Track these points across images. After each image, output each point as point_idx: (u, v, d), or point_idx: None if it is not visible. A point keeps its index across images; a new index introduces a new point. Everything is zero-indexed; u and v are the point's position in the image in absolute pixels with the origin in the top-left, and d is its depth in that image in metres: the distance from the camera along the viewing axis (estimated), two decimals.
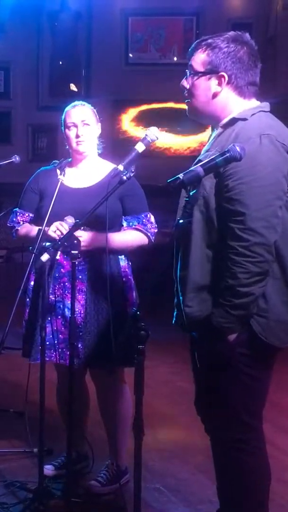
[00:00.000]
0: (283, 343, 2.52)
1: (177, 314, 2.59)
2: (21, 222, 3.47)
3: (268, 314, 2.45)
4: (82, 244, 3.04)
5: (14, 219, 3.50)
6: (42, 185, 3.44)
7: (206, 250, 2.47)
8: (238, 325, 2.42)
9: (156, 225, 3.44)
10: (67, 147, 3.46)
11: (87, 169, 3.44)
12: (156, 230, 3.43)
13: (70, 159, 3.47)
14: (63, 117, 3.43)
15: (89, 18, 8.74)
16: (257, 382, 2.54)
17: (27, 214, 3.46)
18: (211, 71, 2.52)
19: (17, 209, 3.51)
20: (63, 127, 3.44)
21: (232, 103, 2.54)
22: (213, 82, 2.53)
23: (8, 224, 3.51)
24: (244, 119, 2.47)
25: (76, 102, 3.48)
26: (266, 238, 2.35)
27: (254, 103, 2.57)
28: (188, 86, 2.58)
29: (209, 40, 2.54)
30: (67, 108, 3.45)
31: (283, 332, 2.50)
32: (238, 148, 2.28)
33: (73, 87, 8.90)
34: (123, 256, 3.42)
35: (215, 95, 2.54)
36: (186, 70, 2.59)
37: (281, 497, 3.42)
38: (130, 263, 3.48)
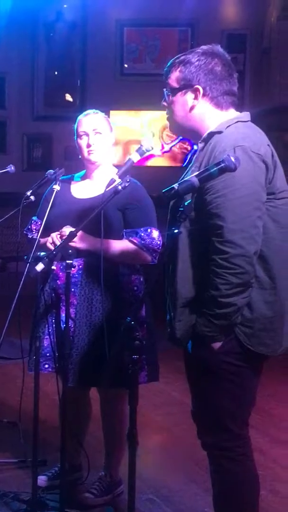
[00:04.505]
0: (271, 351, 2.54)
1: (169, 331, 2.60)
2: (34, 230, 3.45)
3: (254, 324, 2.48)
4: (73, 240, 3.00)
5: (29, 227, 3.49)
6: (55, 194, 3.36)
7: (191, 264, 2.49)
8: (220, 334, 2.46)
9: (159, 242, 3.28)
10: (80, 157, 3.42)
11: (99, 179, 3.36)
12: (157, 248, 3.28)
13: (63, 169, 3.44)
14: (75, 126, 3.40)
15: (85, 29, 8.76)
16: (243, 390, 2.56)
17: (39, 223, 3.40)
18: (186, 85, 2.58)
19: (34, 217, 3.50)
20: (75, 137, 3.40)
21: (209, 116, 2.58)
22: (189, 96, 2.58)
23: (24, 232, 3.51)
24: (220, 132, 2.51)
25: (89, 111, 3.43)
26: (245, 250, 2.37)
27: (231, 114, 2.60)
28: (167, 105, 2.65)
29: (182, 57, 2.61)
30: (79, 117, 3.41)
31: (271, 340, 2.52)
32: (232, 159, 2.30)
33: (68, 97, 8.92)
34: (130, 270, 3.34)
35: (192, 108, 2.59)
36: (164, 89, 2.65)
37: (273, 507, 3.41)
38: (142, 279, 3.37)
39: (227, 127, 2.51)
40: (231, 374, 2.51)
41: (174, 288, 2.52)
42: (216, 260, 2.38)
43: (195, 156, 2.63)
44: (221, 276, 2.38)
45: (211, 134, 2.53)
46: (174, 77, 2.60)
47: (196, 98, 2.57)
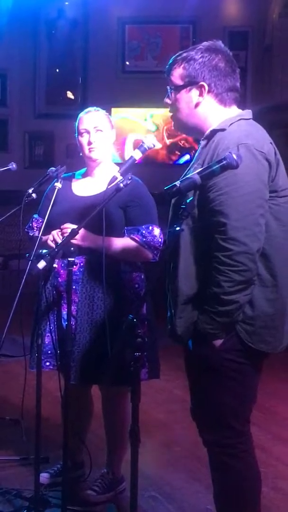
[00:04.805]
0: (271, 348, 2.55)
1: (170, 328, 2.61)
2: (35, 228, 3.45)
3: (255, 321, 2.49)
4: (75, 237, 2.99)
5: (30, 225, 3.49)
6: (57, 192, 3.36)
7: (193, 261, 2.49)
8: (222, 331, 2.47)
9: (160, 240, 3.29)
10: (81, 154, 3.42)
11: (100, 176, 3.37)
12: (158, 245, 3.28)
13: (65, 166, 3.43)
14: (76, 123, 3.40)
15: (86, 26, 8.76)
16: (245, 387, 2.57)
17: (41, 220, 3.41)
18: (190, 82, 2.58)
19: (36, 215, 3.51)
20: (76, 134, 3.40)
21: (213, 112, 2.58)
22: (194, 93, 2.58)
23: (25, 230, 3.51)
24: (223, 130, 2.51)
25: (90, 108, 3.43)
26: (248, 247, 2.38)
27: (234, 111, 2.61)
28: (171, 102, 2.64)
29: (184, 54, 2.60)
30: (80, 115, 3.41)
31: (272, 337, 2.53)
32: (234, 156, 2.29)
33: (70, 94, 8.92)
34: (131, 267, 3.35)
35: (197, 105, 2.59)
36: (167, 87, 2.64)
37: (275, 505, 3.42)
38: (143, 277, 3.38)
39: (230, 124, 2.51)
40: (232, 371, 2.52)
41: (175, 285, 2.52)
42: (219, 257, 2.38)
43: (197, 153, 2.63)
44: (223, 273, 2.38)
45: (214, 132, 2.53)
46: (177, 74, 2.60)
47: (201, 94, 2.57)
